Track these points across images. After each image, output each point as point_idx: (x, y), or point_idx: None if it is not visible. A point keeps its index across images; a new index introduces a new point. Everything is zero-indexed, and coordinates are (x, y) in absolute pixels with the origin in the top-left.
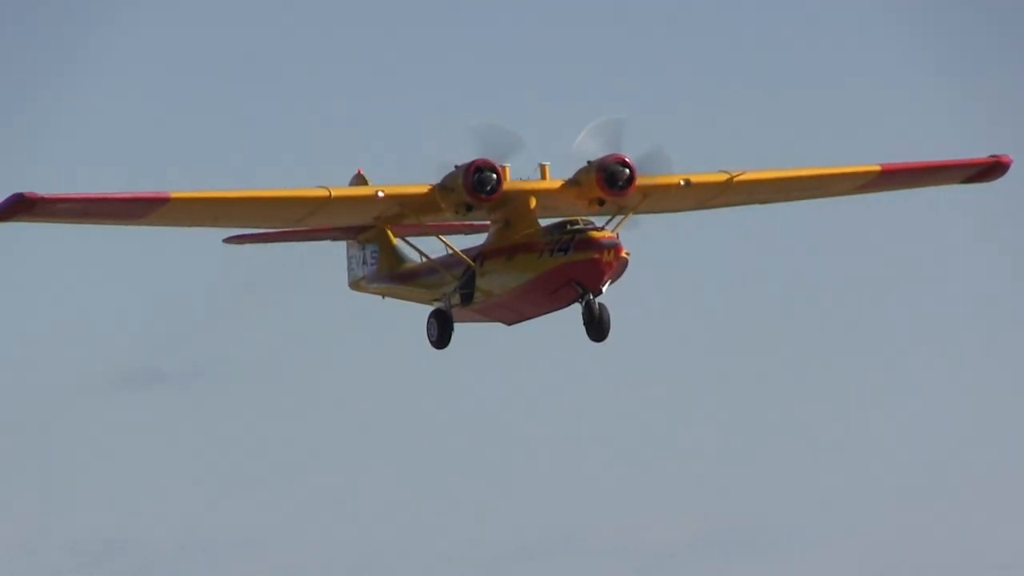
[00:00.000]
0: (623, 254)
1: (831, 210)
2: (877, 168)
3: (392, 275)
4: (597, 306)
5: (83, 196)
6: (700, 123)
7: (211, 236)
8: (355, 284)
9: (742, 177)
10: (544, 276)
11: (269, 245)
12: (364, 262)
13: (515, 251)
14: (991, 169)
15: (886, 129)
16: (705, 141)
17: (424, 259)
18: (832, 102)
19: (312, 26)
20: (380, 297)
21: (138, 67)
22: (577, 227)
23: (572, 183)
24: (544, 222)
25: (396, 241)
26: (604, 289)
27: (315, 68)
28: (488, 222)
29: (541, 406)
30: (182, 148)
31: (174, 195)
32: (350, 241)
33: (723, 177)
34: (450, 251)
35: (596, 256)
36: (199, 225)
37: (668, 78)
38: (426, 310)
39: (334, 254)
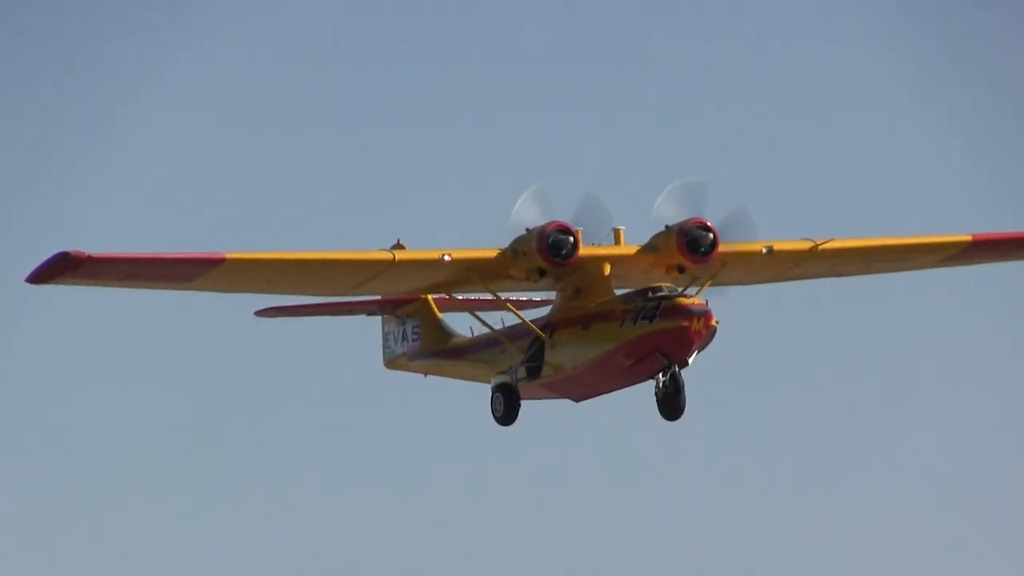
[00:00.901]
0: (713, 323)
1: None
2: (968, 238)
3: (438, 351)
4: (681, 379)
5: (132, 256)
6: (779, 188)
7: (242, 308)
8: (392, 362)
9: (827, 246)
10: (626, 346)
11: (302, 319)
12: (404, 338)
13: (591, 320)
14: None
15: (973, 199)
16: (783, 208)
17: (474, 332)
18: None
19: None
20: (422, 375)
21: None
22: (662, 293)
23: (649, 249)
24: (617, 292)
25: (441, 316)
26: (691, 361)
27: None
28: (544, 295)
29: (615, 489)
30: (228, 210)
31: (229, 256)
32: (387, 316)
33: (807, 245)
34: (508, 323)
35: (686, 324)
36: (249, 290)
37: (743, 139)
38: (477, 388)
39: (369, 330)
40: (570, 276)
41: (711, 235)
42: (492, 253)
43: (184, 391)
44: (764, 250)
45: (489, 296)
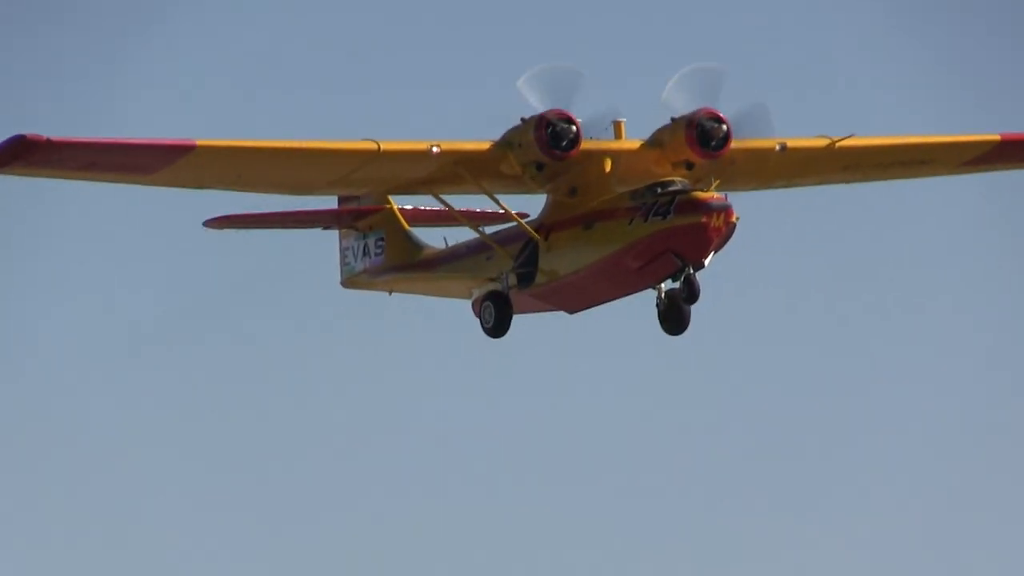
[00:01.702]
0: (733, 219)
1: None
2: (996, 138)
3: (407, 264)
4: (697, 284)
5: (95, 141)
6: (798, 85)
7: (190, 217)
8: (351, 280)
9: (844, 143)
10: (636, 246)
11: (253, 231)
12: (366, 253)
13: (594, 219)
14: None
15: (1003, 99)
16: (802, 107)
17: (448, 243)
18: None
19: None
20: (387, 293)
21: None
22: (675, 187)
23: (653, 143)
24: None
25: (409, 227)
26: (707, 263)
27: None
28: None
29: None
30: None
31: (200, 143)
32: (345, 231)
33: (823, 143)
34: (490, 226)
35: (704, 220)
36: (215, 185)
37: (761, 28)
38: (451, 304)
39: (325, 244)
40: (567, 173)
41: (724, 127)
42: (484, 145)
43: (123, 305)
44: (778, 147)
45: (462, 208)
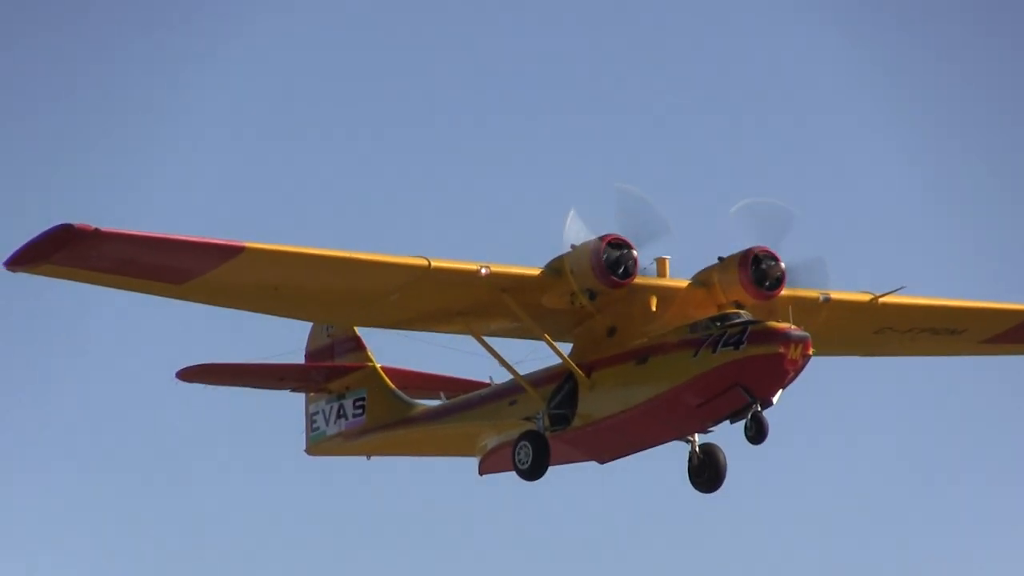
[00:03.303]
0: (810, 351)
1: None
2: None
3: (399, 421)
4: (766, 423)
5: (144, 235)
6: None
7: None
8: (319, 447)
9: (886, 299)
10: (703, 378)
11: (223, 389)
12: (341, 415)
13: (647, 354)
14: None
15: None
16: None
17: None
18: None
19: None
20: (365, 458)
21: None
22: (743, 318)
23: (699, 283)
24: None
25: (393, 387)
26: (775, 400)
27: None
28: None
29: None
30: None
31: (249, 245)
32: (313, 395)
33: (865, 297)
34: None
35: (783, 351)
36: (249, 300)
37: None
38: (449, 463)
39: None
40: (613, 307)
41: (780, 265)
42: (534, 271)
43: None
44: (821, 297)
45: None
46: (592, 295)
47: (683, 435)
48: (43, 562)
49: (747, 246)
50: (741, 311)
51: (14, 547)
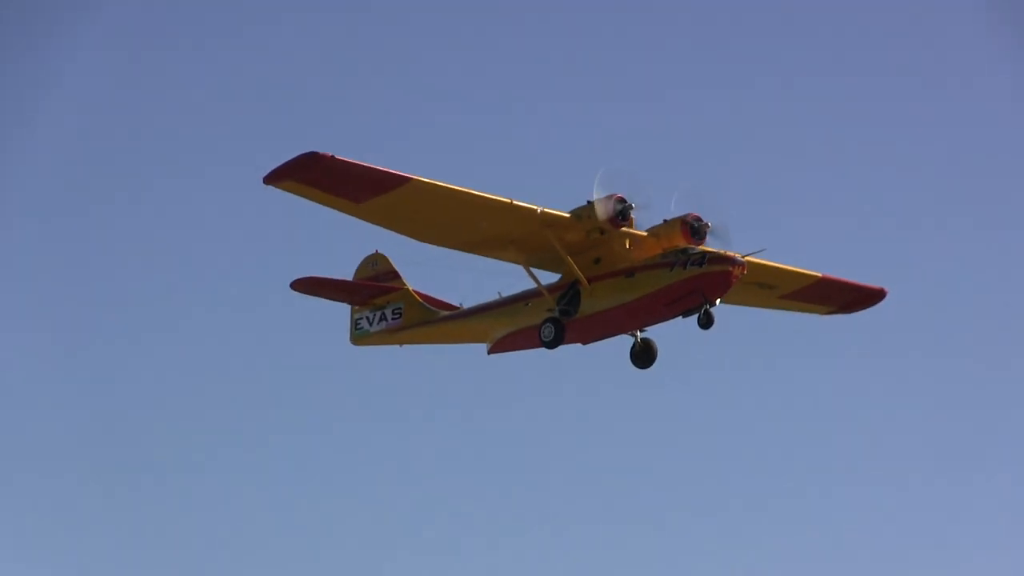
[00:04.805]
0: (744, 271)
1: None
2: (817, 276)
3: (428, 320)
4: (713, 315)
5: (353, 161)
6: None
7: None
8: (361, 339)
9: (749, 258)
10: (678, 285)
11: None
12: (382, 319)
13: (633, 271)
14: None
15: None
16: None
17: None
18: None
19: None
20: (397, 346)
21: None
22: (700, 250)
23: (653, 234)
24: None
25: (422, 300)
26: (718, 302)
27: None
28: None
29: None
30: None
31: (415, 179)
32: (359, 308)
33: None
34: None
35: (730, 268)
36: (406, 227)
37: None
38: (465, 350)
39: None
40: (605, 243)
41: (708, 224)
42: (565, 214)
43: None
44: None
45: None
46: (602, 232)
47: (651, 325)
48: None
49: (682, 212)
50: (698, 247)
51: None
